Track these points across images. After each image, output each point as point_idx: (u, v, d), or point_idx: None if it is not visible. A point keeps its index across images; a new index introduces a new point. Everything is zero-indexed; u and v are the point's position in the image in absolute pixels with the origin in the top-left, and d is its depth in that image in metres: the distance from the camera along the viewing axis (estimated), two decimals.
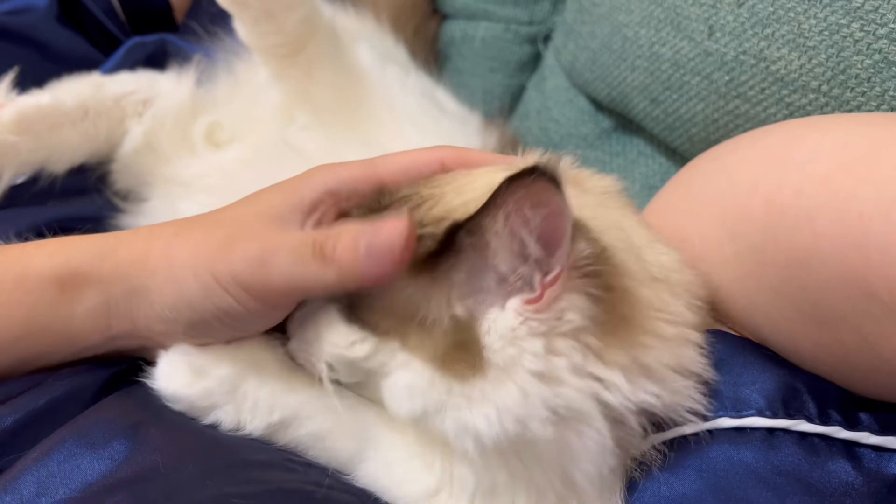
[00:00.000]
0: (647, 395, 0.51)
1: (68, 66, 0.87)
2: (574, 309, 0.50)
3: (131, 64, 0.94)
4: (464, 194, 0.55)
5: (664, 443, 0.53)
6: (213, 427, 0.55)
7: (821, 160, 0.52)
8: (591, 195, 0.61)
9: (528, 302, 0.50)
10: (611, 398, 0.51)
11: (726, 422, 0.52)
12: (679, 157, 0.89)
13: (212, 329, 0.56)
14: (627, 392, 0.51)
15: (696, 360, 0.54)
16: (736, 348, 0.57)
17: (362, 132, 0.81)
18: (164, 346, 0.57)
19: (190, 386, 0.55)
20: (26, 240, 0.62)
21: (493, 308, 0.51)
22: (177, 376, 0.56)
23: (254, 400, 0.56)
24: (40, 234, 0.70)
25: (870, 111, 0.63)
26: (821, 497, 0.48)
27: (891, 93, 0.61)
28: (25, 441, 0.52)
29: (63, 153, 0.81)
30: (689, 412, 0.53)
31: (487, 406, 0.50)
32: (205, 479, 0.48)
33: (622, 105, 0.91)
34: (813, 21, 0.66)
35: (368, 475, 0.55)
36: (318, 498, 0.50)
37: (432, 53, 1.11)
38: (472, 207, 0.50)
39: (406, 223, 0.50)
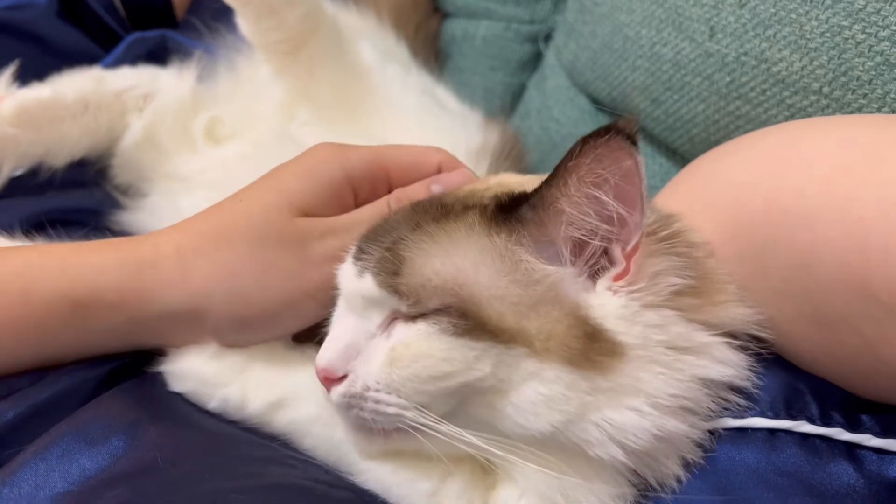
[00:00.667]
0: (729, 361, 0.52)
1: (69, 60, 0.88)
2: (667, 271, 0.50)
3: (132, 59, 0.94)
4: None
5: None
6: (212, 424, 0.55)
7: (822, 161, 0.52)
8: None
9: (618, 277, 0.49)
10: (715, 369, 0.51)
11: (729, 422, 0.52)
12: (679, 157, 0.88)
13: (257, 335, 0.59)
14: (732, 358, 0.51)
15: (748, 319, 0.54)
16: None
17: (364, 129, 0.81)
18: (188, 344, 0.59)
19: (205, 366, 0.58)
20: (26, 232, 0.63)
21: (582, 291, 0.50)
22: (193, 358, 0.59)
23: (258, 379, 0.58)
24: (40, 225, 0.70)
25: (871, 113, 0.63)
26: (822, 498, 0.48)
27: (892, 95, 0.61)
28: (25, 435, 0.52)
29: (63, 146, 0.81)
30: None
31: (636, 396, 0.48)
32: (203, 475, 0.48)
33: (623, 105, 0.91)
34: (815, 23, 0.66)
35: (368, 475, 0.55)
36: (317, 494, 0.50)
37: (433, 52, 1.11)
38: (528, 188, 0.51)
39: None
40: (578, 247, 0.50)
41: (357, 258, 0.53)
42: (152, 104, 0.86)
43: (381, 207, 0.59)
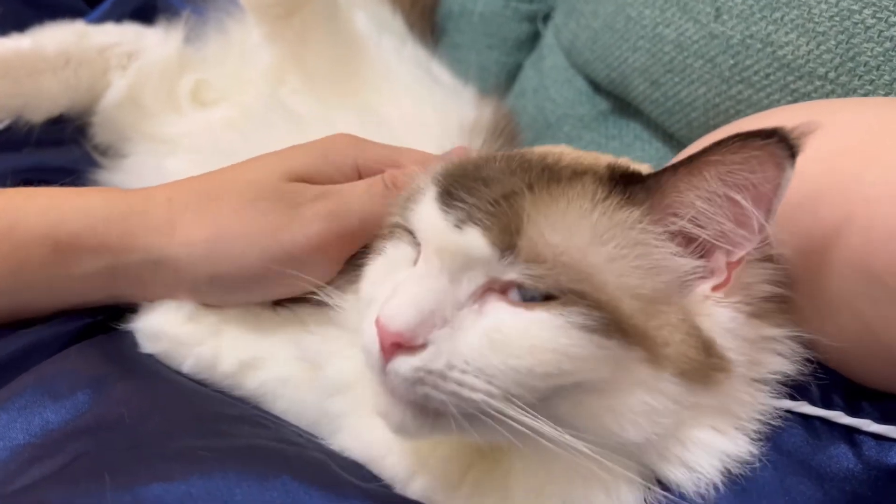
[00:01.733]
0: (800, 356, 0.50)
1: (51, 13, 0.85)
2: (759, 280, 0.47)
3: (118, 16, 0.91)
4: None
5: None
6: (183, 382, 0.54)
7: (824, 143, 0.51)
8: None
9: (717, 287, 0.46)
10: (786, 368, 0.49)
11: None
12: (676, 142, 0.87)
13: (236, 296, 0.58)
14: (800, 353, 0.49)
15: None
16: None
17: (355, 97, 0.80)
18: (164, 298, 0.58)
19: (179, 326, 0.57)
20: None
21: (688, 294, 0.46)
22: (167, 317, 0.58)
23: (231, 339, 0.57)
24: (15, 183, 0.68)
25: None
26: (820, 480, 0.47)
27: None
28: None
29: (42, 101, 0.79)
30: None
31: (726, 416, 0.46)
32: (171, 432, 0.47)
33: (621, 87, 0.90)
34: (824, 6, 0.64)
35: (345, 443, 0.53)
36: (289, 455, 0.48)
37: (429, 26, 1.09)
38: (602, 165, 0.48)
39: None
40: (686, 243, 0.46)
41: (447, 204, 0.46)
42: (136, 63, 0.83)
43: (377, 183, 0.58)
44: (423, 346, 0.43)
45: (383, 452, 0.51)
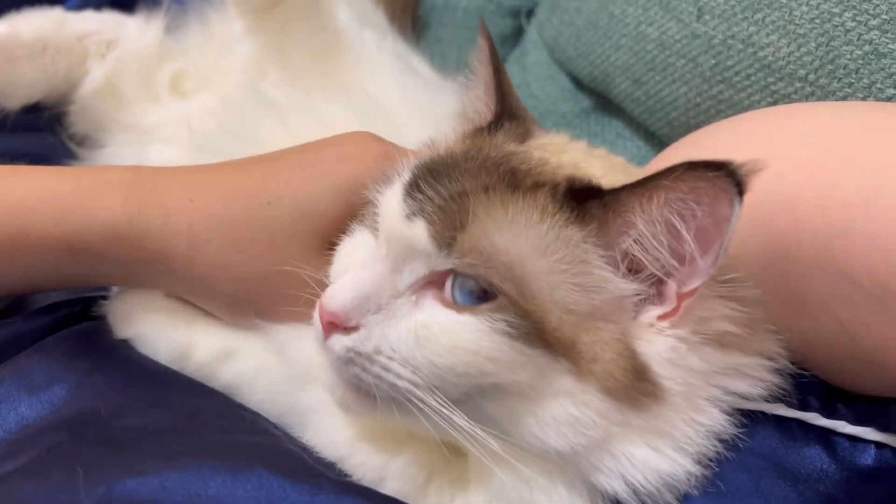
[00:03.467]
0: (770, 379, 0.49)
1: (30, 0, 0.84)
2: (720, 318, 0.46)
3: (97, 4, 0.90)
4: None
5: None
6: (161, 375, 0.54)
7: (804, 146, 0.52)
8: None
9: (663, 317, 0.45)
10: (750, 391, 0.48)
11: None
12: (657, 140, 0.88)
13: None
14: (768, 378, 0.49)
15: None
16: None
17: (336, 89, 0.79)
18: None
19: (154, 311, 0.57)
20: None
21: (630, 319, 0.46)
22: (142, 301, 0.57)
23: (206, 327, 0.56)
24: None
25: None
26: (795, 481, 0.48)
27: (878, 85, 0.60)
28: None
29: (18, 88, 0.78)
30: None
31: (662, 438, 0.45)
32: (146, 426, 0.47)
33: (603, 84, 0.90)
34: (805, 8, 0.65)
35: (312, 440, 0.53)
36: (264, 447, 0.48)
37: (411, 20, 1.09)
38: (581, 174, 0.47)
39: None
40: (634, 266, 0.46)
41: (409, 195, 0.47)
42: (115, 51, 0.82)
43: None
44: (356, 328, 0.45)
45: (348, 453, 0.51)
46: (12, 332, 0.55)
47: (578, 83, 0.98)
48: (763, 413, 0.50)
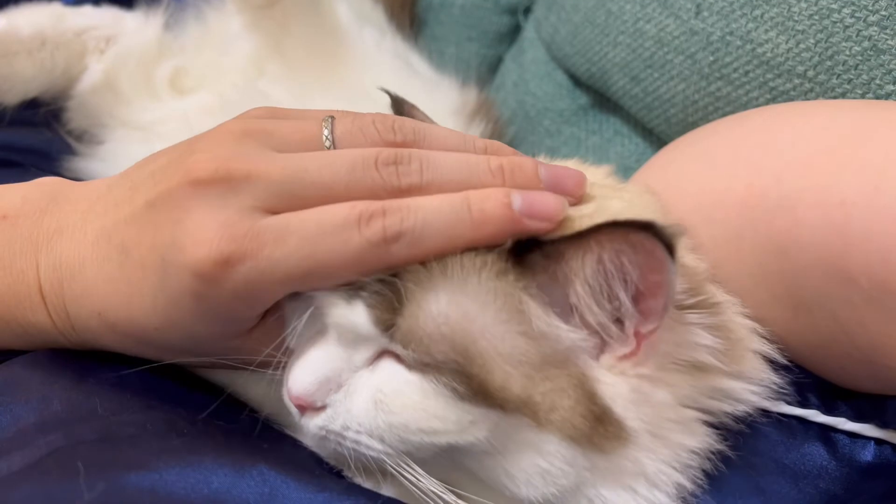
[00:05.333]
0: (756, 396, 0.49)
1: None
2: (685, 344, 0.46)
3: None
4: None
5: None
6: (158, 370, 0.53)
7: (802, 145, 0.52)
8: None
9: (625, 357, 0.45)
10: (732, 410, 0.48)
11: None
12: (655, 138, 0.88)
13: None
14: (748, 397, 0.49)
15: (767, 342, 0.51)
16: None
17: (335, 86, 0.80)
18: None
19: None
20: None
21: (591, 361, 0.45)
22: None
23: None
24: None
25: (855, 99, 0.62)
26: (795, 478, 0.48)
27: (877, 81, 0.60)
28: None
29: (15, 83, 0.78)
30: None
31: (636, 477, 0.45)
32: (145, 422, 0.46)
33: (601, 81, 0.90)
34: (803, 4, 0.65)
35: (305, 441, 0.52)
36: (266, 445, 0.48)
37: (409, 17, 1.09)
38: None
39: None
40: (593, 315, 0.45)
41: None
42: (114, 47, 0.82)
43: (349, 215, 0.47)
44: (323, 408, 0.46)
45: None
46: None
47: (576, 80, 0.98)
48: (764, 410, 0.50)
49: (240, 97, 0.80)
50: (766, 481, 0.48)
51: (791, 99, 0.67)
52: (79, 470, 0.41)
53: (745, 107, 0.71)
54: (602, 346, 0.45)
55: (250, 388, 0.55)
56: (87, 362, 0.52)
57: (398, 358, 0.45)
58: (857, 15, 0.61)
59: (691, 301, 0.46)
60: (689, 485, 0.47)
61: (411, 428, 0.44)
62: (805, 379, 0.51)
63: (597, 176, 0.56)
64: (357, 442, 0.46)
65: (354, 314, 0.45)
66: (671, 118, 0.81)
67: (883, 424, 0.50)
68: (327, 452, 0.47)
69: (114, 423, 0.46)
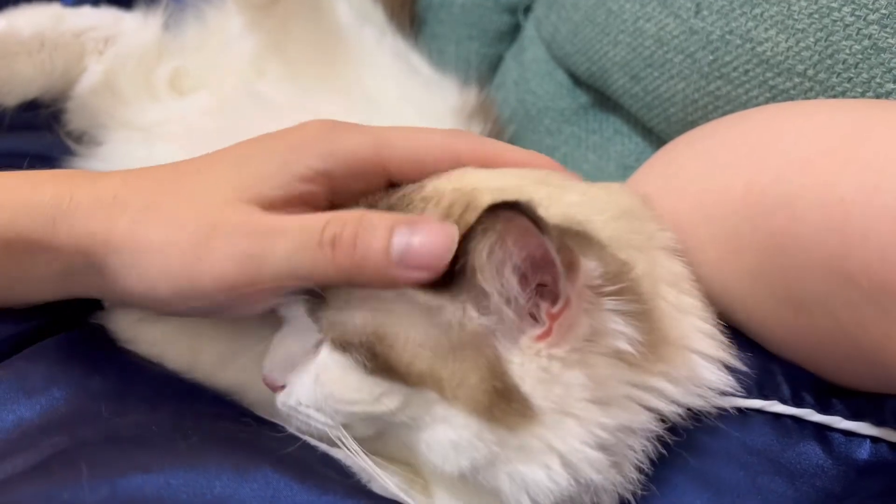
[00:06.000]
0: (692, 396, 0.50)
1: None
2: (607, 332, 0.47)
3: (95, 0, 0.90)
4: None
5: None
6: (162, 375, 0.54)
7: (802, 144, 0.51)
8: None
9: (539, 338, 0.46)
10: (664, 408, 0.49)
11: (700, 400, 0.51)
12: (655, 137, 0.88)
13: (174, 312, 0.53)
14: (679, 398, 0.49)
15: (722, 346, 0.52)
16: None
17: (336, 86, 0.79)
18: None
19: (151, 325, 0.57)
20: None
21: (507, 344, 0.47)
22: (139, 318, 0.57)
23: (207, 337, 0.57)
24: None
25: (855, 98, 0.62)
26: (791, 477, 0.49)
27: (877, 80, 0.60)
28: None
29: (14, 84, 0.77)
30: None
31: (548, 455, 0.46)
32: (149, 425, 0.46)
33: (601, 80, 0.90)
34: (803, 3, 0.65)
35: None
36: (269, 448, 0.48)
37: (409, 16, 1.09)
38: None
39: (455, 230, 0.45)
40: (511, 302, 0.47)
41: None
42: (113, 48, 0.82)
43: (310, 236, 0.48)
44: (283, 387, 0.52)
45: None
46: (8, 333, 0.54)
47: (576, 79, 0.98)
48: (758, 410, 0.50)
49: (239, 97, 0.80)
50: (762, 480, 0.49)
51: (791, 98, 0.67)
52: (83, 472, 0.42)
53: (744, 106, 0.71)
54: (522, 328, 0.47)
55: (250, 392, 0.55)
56: (91, 359, 0.53)
57: (331, 341, 0.50)
58: (857, 13, 0.61)
59: (612, 288, 0.47)
60: (622, 463, 0.48)
61: (336, 398, 0.49)
62: (796, 378, 0.51)
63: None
64: (308, 416, 0.50)
65: (299, 306, 0.51)
66: (671, 117, 0.81)
67: (879, 422, 0.50)
68: (295, 427, 0.52)
69: (118, 424, 0.46)
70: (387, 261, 0.46)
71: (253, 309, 0.51)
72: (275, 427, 0.52)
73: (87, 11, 0.84)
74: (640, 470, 0.49)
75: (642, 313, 0.48)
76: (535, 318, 0.47)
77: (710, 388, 0.50)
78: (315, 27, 0.81)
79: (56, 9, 0.82)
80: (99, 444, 0.45)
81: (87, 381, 0.50)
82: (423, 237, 0.46)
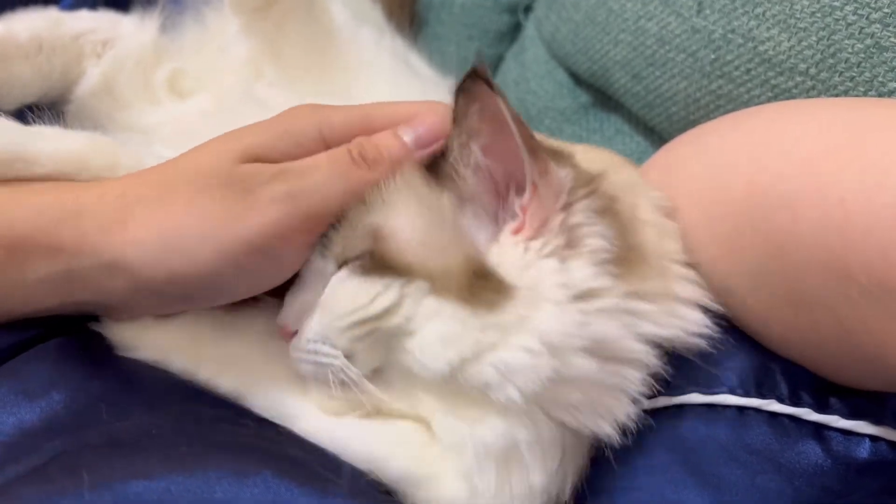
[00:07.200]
0: (670, 328, 0.52)
1: (25, 0, 0.83)
2: (577, 229, 0.50)
3: (92, 3, 0.90)
4: None
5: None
6: (163, 378, 0.54)
7: (803, 144, 0.52)
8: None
9: (515, 231, 0.50)
10: (645, 328, 0.51)
11: (697, 398, 0.53)
12: (657, 136, 0.88)
13: (195, 300, 0.54)
14: (655, 323, 0.51)
15: (703, 294, 0.54)
16: None
17: (334, 91, 0.79)
18: (127, 315, 0.56)
19: (153, 332, 0.56)
20: None
21: (488, 235, 0.51)
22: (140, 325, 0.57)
23: (209, 342, 0.57)
24: None
25: (857, 97, 0.62)
26: (790, 476, 0.49)
27: (880, 79, 0.60)
28: None
29: (13, 88, 0.77)
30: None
31: (525, 334, 0.48)
32: (150, 429, 0.46)
33: (602, 80, 0.90)
34: (805, 2, 0.64)
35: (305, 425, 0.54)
36: (270, 452, 0.49)
37: (408, 17, 1.09)
38: None
39: (441, 104, 0.53)
40: (487, 195, 0.52)
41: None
42: (111, 51, 0.82)
43: (340, 156, 0.53)
44: (296, 332, 0.54)
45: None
46: (8, 343, 0.54)
47: (577, 79, 0.98)
48: (756, 409, 0.51)
49: (237, 100, 0.80)
50: (761, 479, 0.49)
51: (793, 97, 0.67)
52: (83, 478, 0.42)
53: (746, 105, 0.71)
54: (498, 219, 0.52)
55: (252, 397, 0.55)
56: (92, 363, 0.53)
57: (335, 263, 0.53)
58: (859, 12, 0.61)
59: (583, 191, 0.52)
60: (615, 382, 0.50)
61: (338, 312, 0.52)
62: (794, 377, 0.51)
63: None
64: (315, 352, 0.52)
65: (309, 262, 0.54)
66: (672, 116, 0.81)
67: (878, 421, 0.50)
68: (304, 372, 0.54)
69: (119, 428, 0.47)
70: (408, 151, 0.53)
71: (283, 266, 0.53)
72: (275, 428, 0.52)
73: (84, 15, 0.84)
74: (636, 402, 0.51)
75: (615, 218, 0.52)
76: (513, 218, 0.51)
77: (686, 324, 0.53)
78: (310, 29, 0.81)
79: (54, 12, 0.82)
80: (99, 449, 0.45)
81: (87, 384, 0.50)
82: (424, 127, 0.54)
